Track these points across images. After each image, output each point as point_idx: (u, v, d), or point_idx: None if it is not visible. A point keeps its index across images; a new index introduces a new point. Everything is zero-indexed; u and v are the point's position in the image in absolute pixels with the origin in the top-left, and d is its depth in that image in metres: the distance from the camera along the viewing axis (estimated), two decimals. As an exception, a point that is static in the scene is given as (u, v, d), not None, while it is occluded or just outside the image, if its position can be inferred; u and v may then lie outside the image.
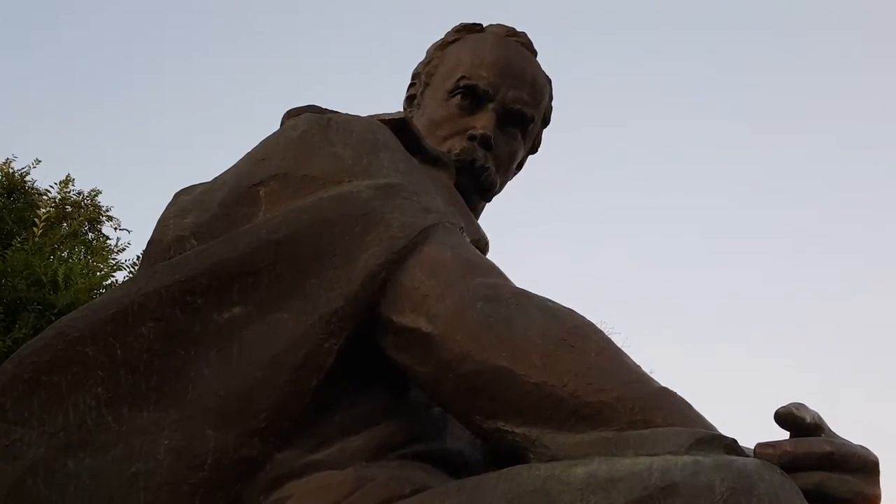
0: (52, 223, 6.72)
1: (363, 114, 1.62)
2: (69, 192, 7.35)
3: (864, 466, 1.05)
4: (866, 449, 1.06)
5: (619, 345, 1.20)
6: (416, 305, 1.24)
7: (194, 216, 1.41)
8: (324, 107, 1.61)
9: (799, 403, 1.07)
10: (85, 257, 6.43)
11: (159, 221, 1.46)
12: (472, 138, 1.75)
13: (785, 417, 1.06)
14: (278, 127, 1.60)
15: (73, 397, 1.22)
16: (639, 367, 1.16)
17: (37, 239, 6.14)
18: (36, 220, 6.41)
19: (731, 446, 1.03)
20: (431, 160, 1.64)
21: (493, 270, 1.31)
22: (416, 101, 1.91)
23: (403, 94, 1.97)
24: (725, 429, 1.08)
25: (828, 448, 1.03)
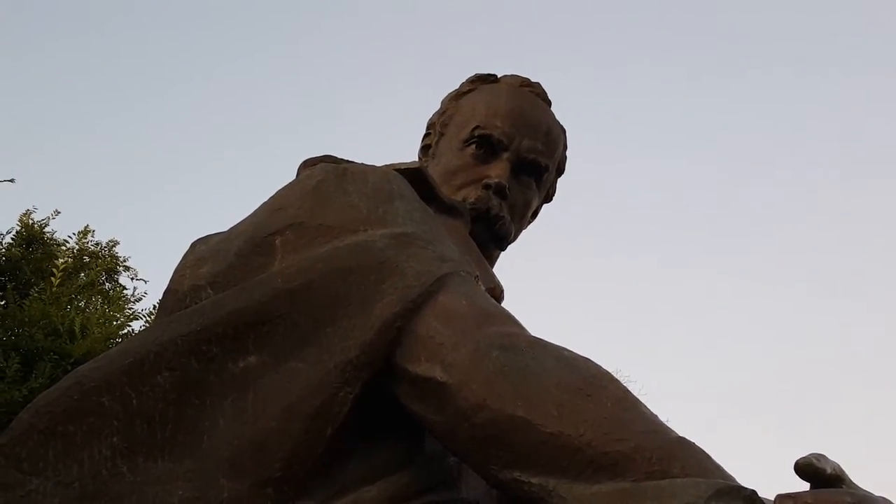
0: (70, 273, 6.77)
1: (379, 163, 1.64)
2: (87, 243, 7.42)
3: None
4: (888, 500, 1.05)
5: (635, 393, 1.19)
6: (432, 354, 1.24)
7: (211, 266, 1.41)
8: (340, 156, 1.63)
9: (819, 454, 1.06)
10: (102, 307, 6.46)
11: (176, 271, 1.47)
12: (487, 187, 1.76)
13: (805, 468, 1.04)
14: (294, 177, 1.62)
15: (89, 447, 1.22)
16: (656, 416, 1.15)
17: (54, 289, 6.18)
18: (54, 270, 6.45)
19: (750, 498, 1.01)
20: (447, 209, 1.65)
21: (509, 319, 1.31)
22: (431, 151, 1.93)
23: (418, 144, 1.99)
24: (745, 480, 1.07)
25: (848, 500, 1.01)
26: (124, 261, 7.50)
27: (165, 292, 1.45)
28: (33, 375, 5.24)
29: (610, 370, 1.22)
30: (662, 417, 1.17)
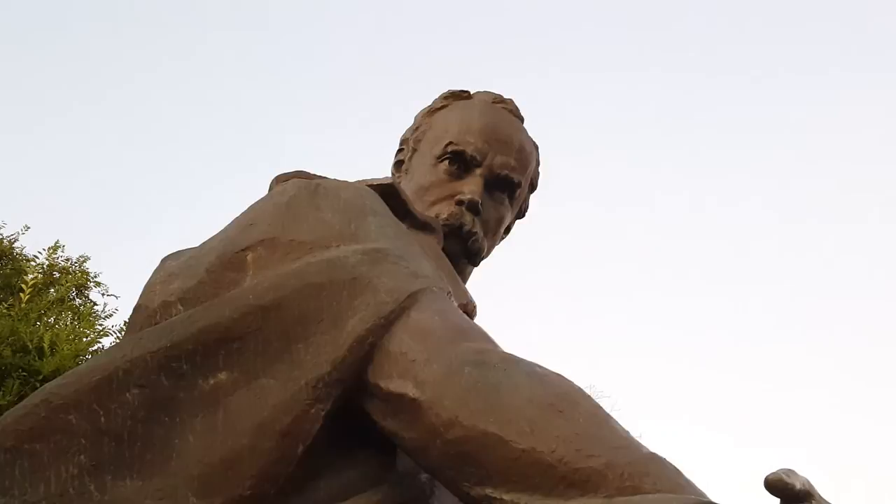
0: (40, 289, 6.69)
1: (352, 179, 1.63)
2: (57, 258, 7.34)
3: None
4: None
5: (608, 408, 1.19)
6: (404, 371, 1.24)
7: (181, 282, 1.40)
8: (312, 172, 1.62)
9: (789, 469, 1.06)
10: (72, 323, 6.40)
11: (146, 287, 1.46)
12: (459, 203, 1.76)
13: (774, 484, 1.04)
14: (267, 192, 1.61)
15: (56, 466, 1.21)
16: (627, 432, 1.15)
17: (23, 305, 6.11)
18: (23, 286, 6.38)
19: (721, 513, 1.01)
20: (420, 225, 1.65)
21: (481, 335, 1.30)
22: (404, 167, 1.93)
23: (391, 160, 1.99)
24: (715, 495, 1.07)
25: None
26: (95, 276, 7.42)
27: (135, 308, 1.44)
28: (0, 393, 5.17)
29: (583, 385, 1.22)
30: (636, 433, 1.18)
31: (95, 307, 7.13)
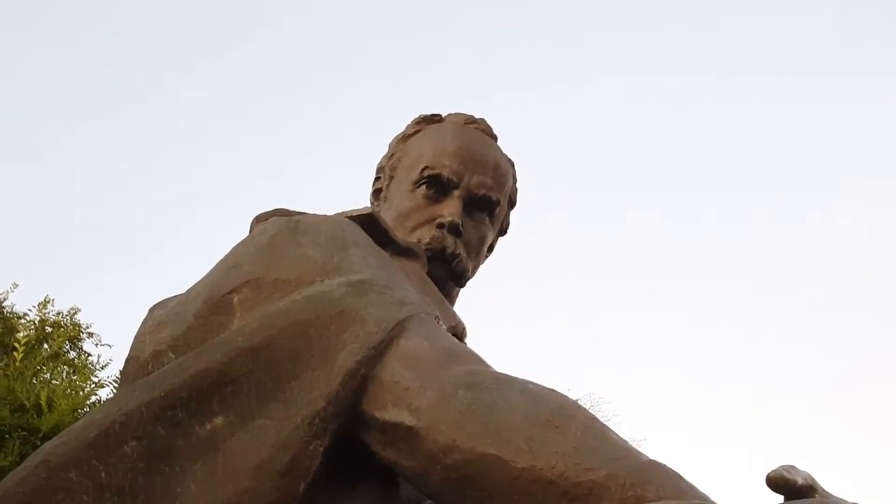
0: (33, 345, 6.67)
1: (331, 212, 1.64)
2: (48, 313, 7.31)
3: None
4: None
5: (609, 414, 1.20)
6: (398, 399, 1.24)
7: (170, 330, 1.40)
8: (291, 209, 1.62)
9: (790, 465, 1.06)
10: (67, 377, 6.37)
11: (136, 338, 1.46)
12: (440, 226, 1.76)
13: (776, 481, 1.05)
14: (247, 233, 1.61)
15: None
16: (625, 441, 1.16)
17: (17, 364, 6.08)
18: (16, 344, 6.35)
19: (725, 514, 1.01)
20: (402, 251, 1.65)
21: (472, 357, 1.31)
22: (382, 195, 1.93)
23: (369, 189, 1.99)
24: (718, 497, 1.07)
25: None
26: (87, 327, 7.39)
27: (127, 360, 1.44)
28: (2, 454, 5.14)
29: (582, 393, 1.23)
30: (639, 437, 1.18)
31: (90, 358, 7.11)
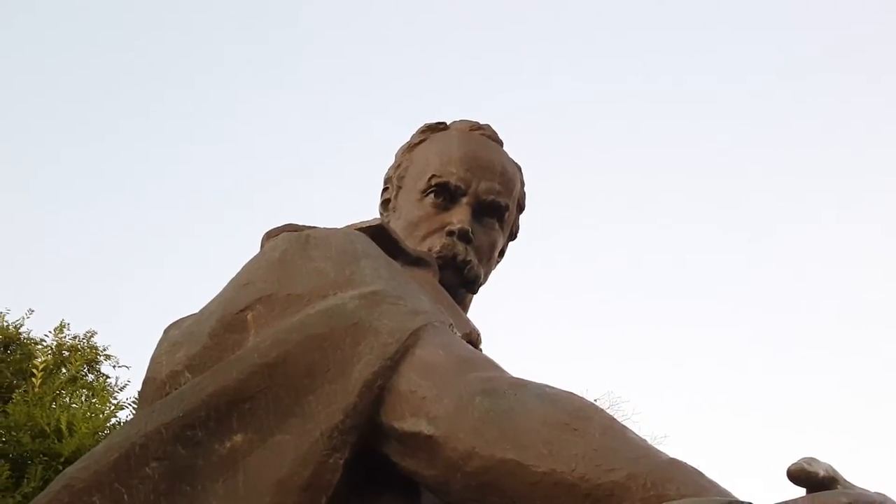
0: (51, 370, 6.69)
1: (342, 225, 1.64)
2: (65, 338, 7.33)
3: None
4: (884, 495, 1.05)
5: (628, 413, 1.20)
6: (415, 409, 1.24)
7: (186, 349, 1.41)
8: (301, 223, 1.63)
9: (810, 458, 1.05)
10: (87, 401, 6.38)
11: (152, 359, 1.46)
12: (450, 234, 1.77)
13: (797, 474, 1.04)
14: (258, 250, 1.62)
15: None
16: (644, 441, 1.15)
17: (36, 389, 6.10)
18: (34, 370, 6.37)
19: (748, 510, 1.01)
20: (413, 261, 1.65)
21: (488, 363, 1.31)
22: (391, 205, 1.94)
23: (378, 200, 2.00)
24: (741, 493, 1.07)
25: (844, 500, 1.01)
26: (104, 349, 7.42)
27: (144, 382, 1.45)
28: (25, 480, 5.15)
29: (601, 392, 1.23)
30: (660, 434, 1.17)
31: (108, 381, 7.13)
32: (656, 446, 1.17)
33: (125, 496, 1.24)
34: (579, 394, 1.24)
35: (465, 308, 1.82)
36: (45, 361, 6.66)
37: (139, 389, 1.48)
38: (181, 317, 1.55)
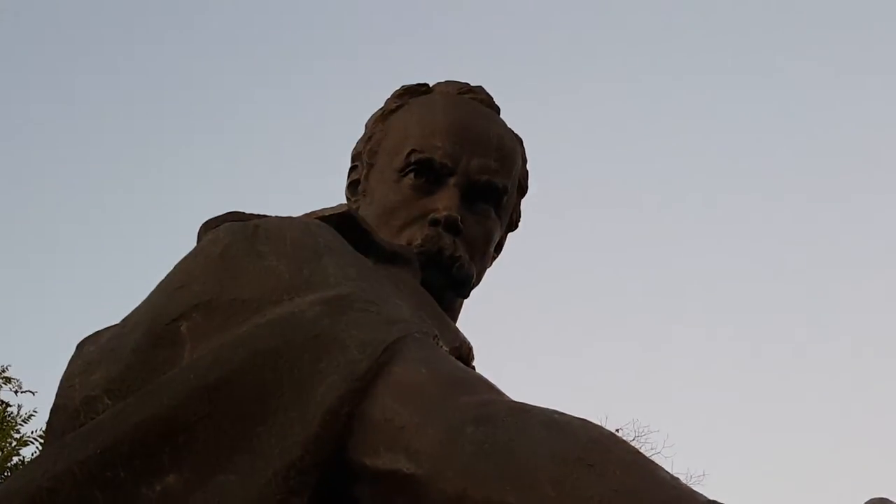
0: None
1: (298, 213, 1.64)
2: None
3: None
4: None
5: (658, 446, 1.20)
6: (392, 441, 1.24)
7: (104, 369, 1.41)
8: (247, 211, 1.62)
9: (882, 498, 1.07)
10: (-18, 434, 6.36)
11: (62, 381, 1.46)
12: (434, 223, 1.76)
13: None
14: (194, 243, 1.61)
15: None
16: (676, 479, 1.15)
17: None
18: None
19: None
20: (388, 257, 1.65)
21: (481, 384, 1.31)
22: (360, 188, 1.93)
23: (344, 182, 1.99)
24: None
25: None
26: (3, 370, 7.40)
27: (53, 410, 1.44)
28: None
29: (623, 421, 1.23)
30: (697, 472, 1.18)
31: (9, 409, 7.10)
32: (692, 486, 1.17)
33: None
34: (596, 422, 1.25)
35: (454, 316, 1.82)
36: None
37: (47, 420, 1.48)
38: (98, 329, 1.54)
